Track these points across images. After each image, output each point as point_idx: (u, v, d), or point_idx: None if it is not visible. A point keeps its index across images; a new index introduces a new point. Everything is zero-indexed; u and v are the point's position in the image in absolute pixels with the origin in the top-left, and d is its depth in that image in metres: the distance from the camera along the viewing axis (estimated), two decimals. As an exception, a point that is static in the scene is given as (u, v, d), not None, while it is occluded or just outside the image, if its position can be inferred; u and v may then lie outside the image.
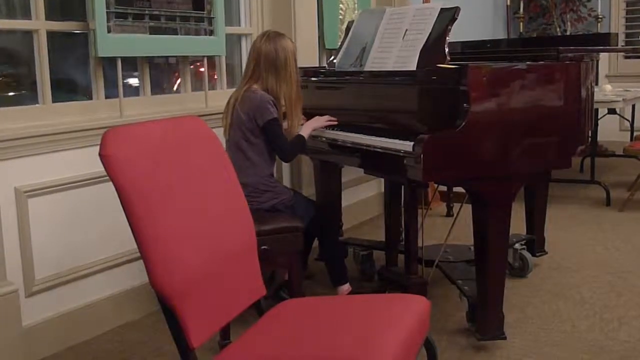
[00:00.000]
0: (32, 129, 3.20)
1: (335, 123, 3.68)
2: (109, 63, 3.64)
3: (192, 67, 4.28)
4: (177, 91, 4.27)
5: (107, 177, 1.81)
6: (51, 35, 3.41)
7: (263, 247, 2.93)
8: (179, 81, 4.31)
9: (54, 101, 3.41)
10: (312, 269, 4.27)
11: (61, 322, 3.32)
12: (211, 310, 2.01)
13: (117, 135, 1.85)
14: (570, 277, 4.17)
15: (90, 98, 3.65)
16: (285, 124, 3.54)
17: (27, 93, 3.48)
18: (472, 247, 3.28)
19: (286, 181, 4.74)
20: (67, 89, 3.71)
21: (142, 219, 1.77)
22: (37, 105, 3.38)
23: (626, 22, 8.97)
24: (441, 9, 3.37)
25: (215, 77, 4.48)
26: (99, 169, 1.87)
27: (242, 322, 2.44)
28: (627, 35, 8.98)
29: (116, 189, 1.79)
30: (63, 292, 3.35)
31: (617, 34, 6.36)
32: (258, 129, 3.40)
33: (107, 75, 3.65)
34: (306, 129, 3.59)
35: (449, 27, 3.29)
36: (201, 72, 4.28)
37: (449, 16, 3.32)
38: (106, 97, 3.65)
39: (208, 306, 1.99)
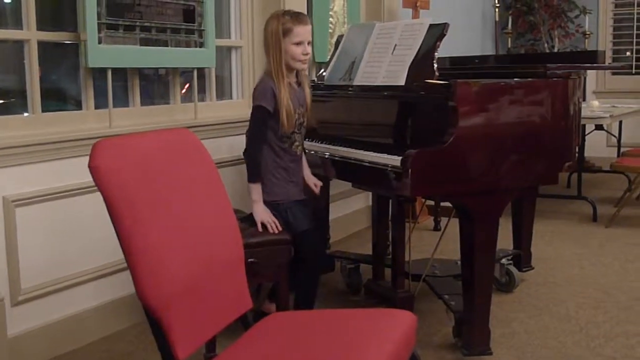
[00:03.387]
0: (21, 139, 3.20)
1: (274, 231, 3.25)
2: (99, 73, 3.64)
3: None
4: (184, 99, 4.30)
5: (95, 188, 1.81)
6: (42, 45, 3.41)
7: (250, 260, 2.93)
8: (184, 90, 4.33)
9: (43, 111, 3.41)
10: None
11: (47, 332, 3.31)
12: (197, 323, 2.01)
13: (107, 146, 1.86)
14: (557, 292, 4.19)
15: (80, 108, 3.65)
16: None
17: (16, 102, 3.48)
18: (459, 262, 3.30)
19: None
20: (56, 98, 3.72)
21: (130, 230, 1.78)
22: (26, 114, 3.38)
23: (613, 38, 9.04)
24: (430, 24, 3.39)
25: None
26: (87, 179, 1.87)
27: (228, 335, 2.44)
28: (615, 51, 9.05)
29: (105, 200, 1.80)
30: (49, 302, 3.34)
31: (604, 52, 6.42)
32: None
33: (96, 85, 3.66)
34: (255, 198, 3.28)
35: (438, 42, 3.31)
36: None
37: (437, 32, 3.34)
38: (96, 108, 3.65)
39: (194, 319, 1.99)
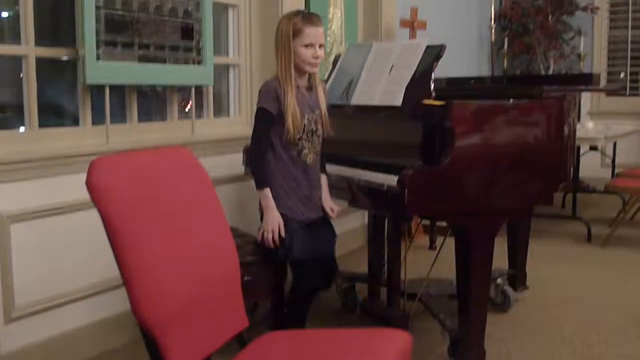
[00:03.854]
0: (18, 154, 3.21)
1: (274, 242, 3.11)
2: (96, 90, 3.65)
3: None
4: (181, 116, 4.31)
5: (91, 205, 1.82)
6: (40, 60, 3.42)
7: (246, 278, 2.93)
8: (188, 106, 4.35)
9: (40, 126, 3.41)
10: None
11: (41, 349, 3.30)
12: (193, 342, 2.01)
13: (104, 164, 1.87)
14: (552, 313, 4.19)
15: (77, 124, 3.65)
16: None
17: (13, 117, 3.49)
18: (455, 282, 3.30)
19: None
20: (54, 114, 3.72)
21: (127, 249, 1.78)
22: (23, 130, 3.38)
23: (608, 60, 9.09)
24: (427, 46, 3.41)
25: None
26: (84, 195, 1.88)
27: (224, 353, 2.43)
28: (609, 73, 9.10)
29: (102, 218, 1.80)
30: (44, 318, 3.33)
31: (599, 74, 6.45)
32: None
33: (94, 101, 3.66)
34: (266, 204, 3.10)
35: (435, 63, 3.33)
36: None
37: (434, 53, 3.36)
38: (93, 124, 3.66)
39: (190, 337, 1.99)
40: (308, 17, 3.11)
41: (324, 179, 3.34)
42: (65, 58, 3.60)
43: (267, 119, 3.08)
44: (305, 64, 3.09)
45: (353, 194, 3.40)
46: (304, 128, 3.12)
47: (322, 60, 3.14)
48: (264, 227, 3.08)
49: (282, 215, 3.10)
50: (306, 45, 3.07)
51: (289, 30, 3.06)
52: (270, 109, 3.06)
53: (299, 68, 3.11)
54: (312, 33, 3.07)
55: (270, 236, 3.06)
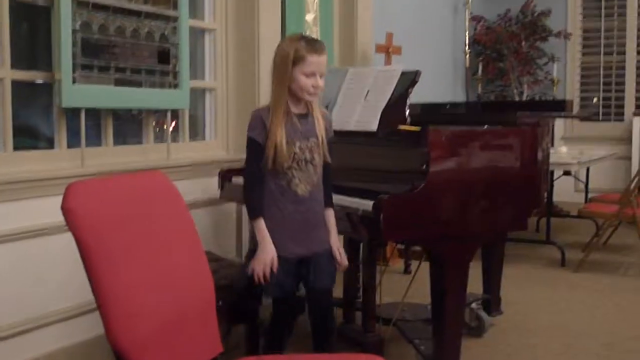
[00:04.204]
0: (-8, 177, 3.19)
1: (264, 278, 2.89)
2: (72, 113, 3.64)
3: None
4: (157, 139, 4.31)
5: (66, 228, 1.81)
6: (16, 83, 3.41)
7: (220, 302, 2.92)
8: (172, 127, 4.38)
9: (15, 149, 3.40)
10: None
11: (13, 374, 3.27)
12: (168, 367, 2.00)
13: (80, 189, 1.86)
14: (526, 337, 4.20)
15: (53, 147, 3.64)
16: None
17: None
18: (430, 306, 3.31)
19: (245, 235, 4.74)
20: (29, 137, 3.71)
21: (102, 274, 1.78)
22: (-2, 153, 3.37)
23: (581, 85, 9.21)
24: (402, 71, 3.44)
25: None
26: (59, 219, 1.87)
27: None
28: (582, 98, 9.21)
29: (77, 243, 1.80)
30: (18, 342, 3.30)
31: (572, 101, 6.54)
32: None
33: (70, 124, 3.65)
34: (259, 236, 2.89)
35: (410, 89, 3.37)
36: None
37: (410, 79, 3.40)
38: (68, 147, 3.65)
39: (165, 363, 1.98)
40: (312, 44, 2.88)
41: (329, 215, 3.04)
42: (41, 81, 3.60)
43: (255, 148, 2.90)
44: (304, 92, 2.87)
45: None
46: (293, 156, 2.88)
47: (321, 90, 2.93)
48: (254, 261, 2.88)
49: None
50: (307, 74, 2.85)
51: (290, 55, 2.84)
52: (257, 137, 2.89)
53: (296, 95, 2.90)
54: (315, 62, 2.85)
55: (260, 271, 2.84)
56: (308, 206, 2.94)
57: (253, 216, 2.91)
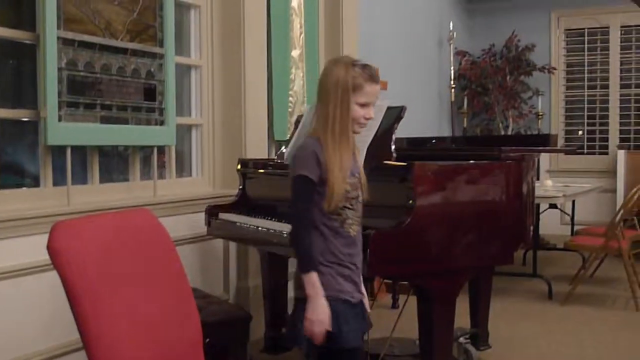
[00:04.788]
0: (-23, 216, 3.18)
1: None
2: (58, 150, 3.63)
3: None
4: (143, 177, 4.29)
5: (52, 267, 1.81)
6: (1, 121, 3.41)
7: (207, 339, 2.90)
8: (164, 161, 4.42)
9: (0, 187, 3.39)
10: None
11: (-3, 415, 3.23)
12: (154, 407, 1.99)
13: (66, 228, 1.86)
14: (514, 371, 4.20)
15: (38, 185, 3.63)
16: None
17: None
18: (418, 341, 3.30)
19: (232, 271, 4.72)
20: (14, 175, 3.70)
21: (88, 316, 1.77)
22: (-18, 191, 3.36)
23: (565, 119, 9.29)
24: (388, 107, 3.46)
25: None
26: (44, 257, 1.87)
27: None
28: (567, 132, 9.30)
29: (63, 283, 1.79)
30: (0, 383, 3.26)
31: (556, 135, 6.59)
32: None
33: (55, 162, 3.65)
34: (313, 292, 2.53)
35: (396, 125, 3.38)
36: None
37: (395, 114, 3.41)
38: (54, 185, 3.64)
39: (151, 402, 1.97)
40: (369, 71, 2.64)
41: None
42: (26, 119, 3.60)
43: (309, 189, 2.57)
44: (355, 123, 2.62)
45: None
46: (346, 195, 2.62)
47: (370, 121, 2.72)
48: (310, 323, 2.52)
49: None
50: (361, 104, 2.61)
51: (348, 82, 2.58)
52: (311, 175, 2.54)
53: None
54: (372, 91, 2.63)
55: (321, 333, 2.51)
56: (358, 248, 2.70)
57: (310, 268, 2.55)
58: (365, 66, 2.64)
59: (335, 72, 2.60)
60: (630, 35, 9.01)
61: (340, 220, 2.62)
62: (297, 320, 2.57)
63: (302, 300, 2.57)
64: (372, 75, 2.63)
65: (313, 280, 2.52)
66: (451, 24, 8.34)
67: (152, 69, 4.06)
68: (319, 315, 2.50)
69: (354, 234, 2.65)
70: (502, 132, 8.78)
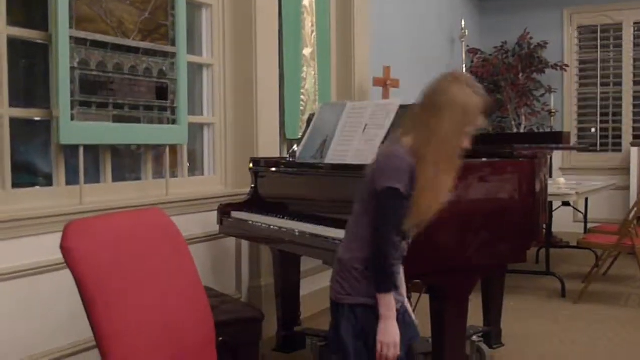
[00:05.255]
0: (-9, 215, 3.19)
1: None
2: (70, 149, 3.64)
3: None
4: (155, 176, 4.29)
5: (65, 266, 1.81)
6: (14, 121, 3.42)
7: (220, 338, 2.90)
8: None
9: (14, 186, 3.40)
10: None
11: (11, 413, 3.24)
12: (167, 405, 1.99)
13: (79, 228, 1.87)
14: (527, 370, 4.18)
15: (51, 184, 3.64)
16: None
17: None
18: (430, 339, 3.29)
19: (245, 270, 4.73)
20: (27, 174, 3.71)
21: (102, 314, 1.78)
22: (-4, 190, 3.37)
23: (578, 116, 9.25)
24: (400, 105, 3.46)
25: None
26: (58, 256, 1.87)
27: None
28: (580, 129, 9.25)
29: (76, 282, 1.80)
30: (16, 382, 3.28)
31: (569, 133, 6.55)
32: (374, 193, 2.49)
33: (68, 161, 3.66)
34: (388, 314, 2.46)
35: (408, 123, 3.37)
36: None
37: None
38: (67, 184, 3.65)
39: (164, 401, 1.97)
40: (485, 104, 2.52)
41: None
42: (39, 118, 3.61)
43: (403, 204, 2.45)
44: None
45: (327, 252, 3.41)
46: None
47: None
48: (385, 341, 2.44)
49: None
50: (467, 134, 2.51)
51: (470, 109, 2.47)
52: (403, 189, 2.43)
53: None
54: (480, 125, 2.54)
55: (394, 354, 2.45)
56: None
57: (389, 289, 2.47)
58: (484, 97, 2.51)
59: (458, 91, 2.46)
60: (644, 32, 8.96)
61: (406, 238, 2.59)
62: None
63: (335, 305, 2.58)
64: (485, 109, 2.52)
65: (389, 300, 2.45)
66: (463, 22, 8.32)
67: (164, 68, 4.07)
68: (393, 338, 2.44)
69: (404, 254, 2.59)
70: (515, 130, 8.74)
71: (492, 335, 4.43)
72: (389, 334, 2.43)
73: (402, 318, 2.53)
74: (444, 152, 2.45)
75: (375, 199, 2.46)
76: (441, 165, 2.45)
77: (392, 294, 2.47)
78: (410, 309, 2.68)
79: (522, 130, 8.73)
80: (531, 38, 8.91)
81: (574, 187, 6.35)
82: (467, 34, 8.36)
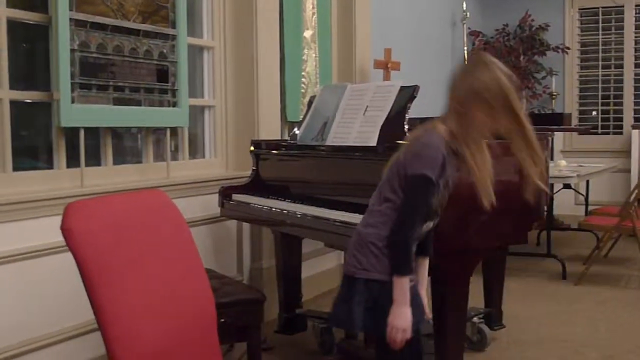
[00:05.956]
0: (-8, 198, 3.19)
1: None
2: (71, 132, 3.64)
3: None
4: (156, 158, 4.29)
5: (66, 248, 1.81)
6: (14, 103, 3.42)
7: (222, 320, 2.91)
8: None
9: (14, 169, 3.40)
10: (272, 341, 4.24)
11: (14, 395, 3.25)
12: (169, 386, 2.00)
13: (79, 209, 1.87)
14: (528, 351, 4.19)
15: (52, 167, 3.64)
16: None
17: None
18: (431, 321, 3.30)
19: (246, 252, 4.73)
20: (28, 157, 3.71)
21: (103, 295, 1.78)
22: (-3, 173, 3.37)
23: (579, 99, 9.22)
24: (401, 86, 3.45)
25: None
26: (58, 239, 1.87)
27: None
28: (581, 112, 9.23)
29: (77, 264, 1.80)
30: (17, 364, 3.29)
31: (570, 114, 6.53)
32: (403, 175, 2.46)
33: (69, 144, 3.66)
34: (402, 298, 2.39)
35: (409, 104, 3.37)
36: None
37: (408, 94, 3.40)
38: (68, 167, 3.65)
39: (166, 381, 1.98)
40: (517, 85, 2.52)
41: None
42: (39, 101, 3.60)
43: (431, 191, 2.45)
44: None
45: (329, 234, 3.41)
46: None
47: None
48: (396, 325, 2.39)
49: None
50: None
51: (509, 93, 2.46)
52: (435, 178, 2.43)
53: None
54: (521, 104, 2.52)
55: (403, 338, 2.40)
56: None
57: (407, 273, 2.43)
58: (514, 78, 2.50)
59: (497, 76, 2.47)
60: (645, 15, 8.92)
61: (426, 225, 2.59)
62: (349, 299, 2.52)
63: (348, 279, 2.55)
64: (519, 89, 2.52)
65: (404, 285, 2.40)
66: (464, 4, 8.28)
67: (165, 51, 4.06)
68: (404, 323, 2.39)
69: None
70: (516, 112, 8.72)
71: (493, 316, 4.44)
72: (401, 318, 2.39)
73: (413, 299, 2.47)
74: (481, 135, 2.50)
75: (404, 180, 2.45)
76: (482, 145, 2.52)
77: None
78: (424, 293, 2.68)
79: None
80: (532, 20, 8.88)
81: (575, 170, 6.35)
82: (468, 16, 8.32)
